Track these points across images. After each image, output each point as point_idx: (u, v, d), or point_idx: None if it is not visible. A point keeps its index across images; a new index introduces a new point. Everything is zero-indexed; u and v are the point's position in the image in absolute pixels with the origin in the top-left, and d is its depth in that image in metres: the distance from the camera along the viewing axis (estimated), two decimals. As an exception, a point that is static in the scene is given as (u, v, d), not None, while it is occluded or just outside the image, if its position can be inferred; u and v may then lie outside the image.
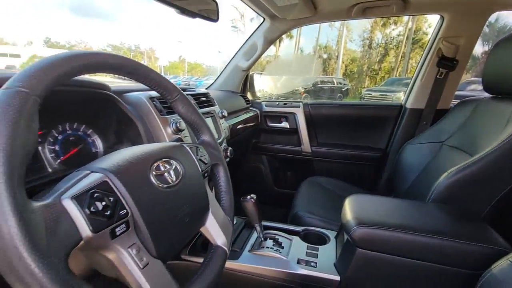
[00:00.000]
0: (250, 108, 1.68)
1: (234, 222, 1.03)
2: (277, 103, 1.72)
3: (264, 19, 1.40)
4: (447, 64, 1.26)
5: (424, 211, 0.80)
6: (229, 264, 0.83)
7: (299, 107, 1.64)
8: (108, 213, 0.32)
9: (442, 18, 1.24)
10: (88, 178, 0.33)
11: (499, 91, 0.98)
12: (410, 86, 1.47)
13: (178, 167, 0.46)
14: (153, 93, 0.78)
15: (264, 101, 1.75)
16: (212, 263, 0.47)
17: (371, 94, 10.56)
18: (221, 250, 0.51)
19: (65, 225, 0.28)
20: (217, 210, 0.55)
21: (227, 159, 1.08)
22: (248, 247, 0.88)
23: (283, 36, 1.54)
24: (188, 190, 0.46)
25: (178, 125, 0.75)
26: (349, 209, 0.78)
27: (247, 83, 1.77)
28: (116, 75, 0.44)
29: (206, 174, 0.55)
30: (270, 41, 1.50)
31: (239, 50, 1.57)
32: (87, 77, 0.59)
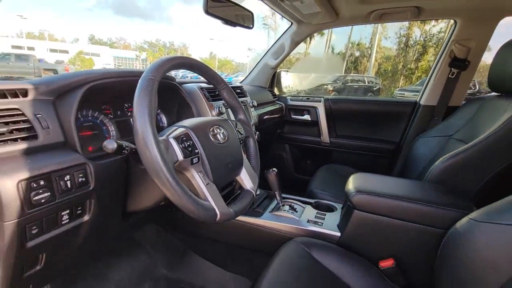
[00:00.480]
0: (277, 101, 1.89)
1: (258, 193, 1.26)
2: (300, 97, 1.91)
3: (291, 23, 1.61)
4: (459, 64, 1.37)
5: (415, 186, 0.96)
6: (254, 220, 1.06)
7: (320, 101, 1.82)
8: (189, 149, 0.56)
9: (455, 22, 1.36)
10: (177, 130, 0.58)
11: (502, 90, 1.10)
12: (425, 84, 1.59)
13: (225, 132, 0.69)
14: (203, 85, 1.04)
15: (289, 96, 1.96)
16: (244, 196, 0.71)
17: (403, 94, 10.22)
18: (250, 192, 0.74)
19: (171, 151, 0.53)
20: (248, 167, 0.78)
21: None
22: (269, 209, 1.11)
23: (314, 33, 1.73)
24: (231, 148, 0.70)
25: (220, 109, 0.99)
26: (352, 181, 0.97)
27: (274, 79, 1.99)
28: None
29: (241, 142, 0.79)
30: (296, 43, 1.70)
31: (268, 50, 1.79)
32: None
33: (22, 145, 0.51)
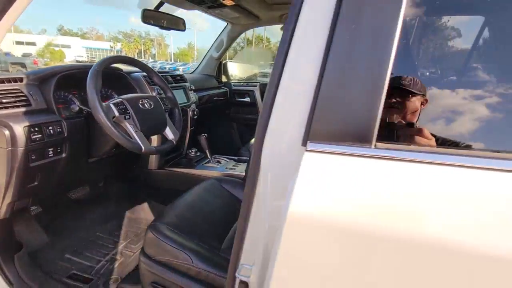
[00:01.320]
0: (222, 87, 2.31)
1: (198, 154, 1.70)
2: (241, 83, 2.34)
3: (227, 23, 2.01)
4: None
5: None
6: (190, 170, 1.50)
7: (256, 86, 2.26)
8: (123, 110, 0.98)
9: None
10: (116, 100, 0.99)
11: None
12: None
13: (151, 103, 1.10)
14: (145, 74, 1.43)
15: (233, 82, 2.38)
16: (166, 143, 1.13)
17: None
18: (171, 141, 1.16)
19: (111, 110, 0.94)
20: (171, 126, 1.20)
21: (195, 117, 1.73)
22: (201, 163, 1.56)
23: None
24: (156, 113, 1.11)
25: (159, 91, 1.40)
26: (254, 139, 1.42)
27: (221, 68, 2.39)
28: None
29: (166, 110, 1.21)
30: (233, 38, 2.11)
31: (212, 44, 2.19)
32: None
33: (23, 109, 0.90)
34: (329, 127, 0.40)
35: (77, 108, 0.92)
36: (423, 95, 0.45)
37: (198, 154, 1.70)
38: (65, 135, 0.99)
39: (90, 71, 0.93)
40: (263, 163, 0.47)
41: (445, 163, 0.36)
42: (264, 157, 0.46)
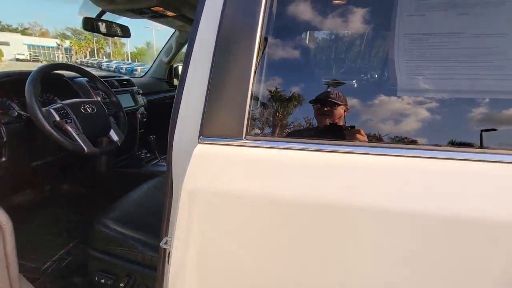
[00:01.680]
0: (174, 90, 2.39)
1: (148, 155, 1.78)
2: (192, 86, 2.45)
3: (175, 30, 2.11)
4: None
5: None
6: (139, 170, 1.58)
7: (206, 89, 2.39)
8: (64, 114, 1.05)
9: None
10: (57, 105, 1.05)
11: None
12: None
13: (93, 107, 1.18)
14: (90, 78, 1.49)
15: (185, 85, 2.48)
16: (111, 144, 1.22)
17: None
18: (115, 142, 1.24)
19: (52, 115, 1.01)
20: (116, 129, 1.28)
21: (144, 120, 1.80)
22: (151, 163, 1.65)
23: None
24: (99, 117, 1.19)
25: (103, 95, 1.47)
26: None
27: (172, 72, 2.48)
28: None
29: (110, 114, 1.29)
30: (181, 44, 2.21)
31: (162, 49, 2.27)
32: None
33: (-43, 116, 0.93)
34: (215, 125, 0.56)
35: (16, 114, 0.97)
36: (345, 105, 0.58)
37: (148, 155, 1.78)
38: (4, 139, 1.03)
39: (28, 77, 0.99)
40: (174, 154, 0.61)
41: (293, 148, 0.54)
42: (174, 150, 0.61)
